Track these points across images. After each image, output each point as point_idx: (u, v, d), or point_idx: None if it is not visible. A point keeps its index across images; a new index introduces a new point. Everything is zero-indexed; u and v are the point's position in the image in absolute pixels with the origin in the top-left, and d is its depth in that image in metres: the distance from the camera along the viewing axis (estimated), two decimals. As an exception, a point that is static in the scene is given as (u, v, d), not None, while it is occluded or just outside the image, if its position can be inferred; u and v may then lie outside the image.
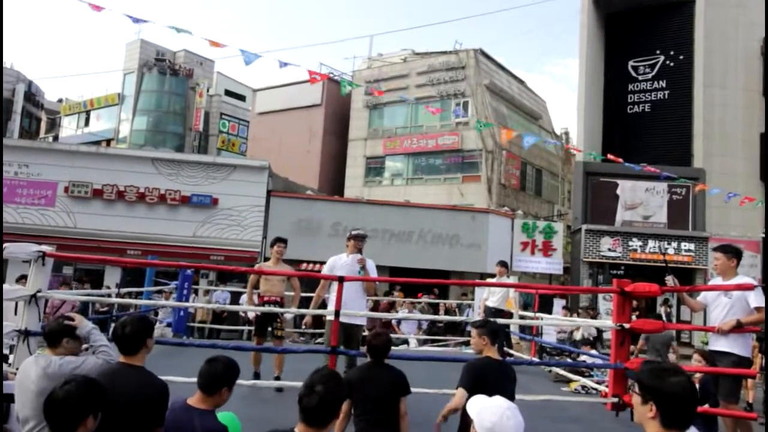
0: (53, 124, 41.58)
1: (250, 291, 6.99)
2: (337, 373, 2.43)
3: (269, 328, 6.69)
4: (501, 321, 7.99)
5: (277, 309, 6.54)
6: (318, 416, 2.23)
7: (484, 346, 3.78)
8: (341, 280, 5.28)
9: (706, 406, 5.17)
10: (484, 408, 2.09)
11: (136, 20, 8.87)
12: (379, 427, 3.52)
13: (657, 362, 2.04)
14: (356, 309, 5.63)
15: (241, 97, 38.53)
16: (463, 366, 3.69)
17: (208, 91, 36.53)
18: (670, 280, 5.35)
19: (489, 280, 9.72)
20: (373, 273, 5.89)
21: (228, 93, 38.56)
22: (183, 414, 2.78)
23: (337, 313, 5.24)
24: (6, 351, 6.71)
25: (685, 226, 19.48)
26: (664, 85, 21.49)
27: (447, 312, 13.99)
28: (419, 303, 13.90)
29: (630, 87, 22.00)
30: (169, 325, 10.81)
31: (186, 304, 10.09)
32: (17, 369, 4.32)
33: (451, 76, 24.77)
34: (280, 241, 6.82)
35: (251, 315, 7.16)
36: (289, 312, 6.71)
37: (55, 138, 38.76)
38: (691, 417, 1.88)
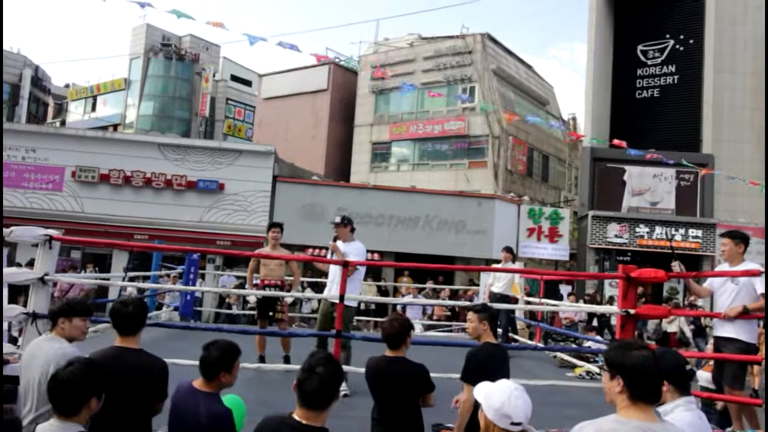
0: (60, 109, 41.59)
1: (250, 276, 7.14)
2: (332, 355, 2.44)
3: (270, 312, 6.79)
4: (506, 306, 8.01)
5: (279, 293, 6.67)
6: (319, 399, 2.23)
7: (483, 331, 3.73)
8: (345, 264, 5.31)
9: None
10: (492, 390, 2.11)
11: (143, 4, 8.82)
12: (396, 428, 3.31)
13: (625, 340, 2.16)
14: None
15: (247, 83, 38.36)
16: (470, 359, 3.61)
17: (214, 76, 36.35)
18: (676, 266, 5.32)
19: (494, 266, 9.72)
20: (352, 251, 5.79)
21: (234, 78, 38.38)
22: (188, 397, 2.81)
23: (341, 297, 5.26)
24: (15, 333, 6.79)
25: (693, 213, 19.37)
26: (673, 69, 21.25)
27: (451, 298, 14.02)
28: (423, 288, 13.95)
29: (639, 72, 21.78)
30: (176, 309, 10.91)
31: (193, 288, 10.15)
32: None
33: (457, 61, 24.57)
34: (275, 226, 6.98)
35: (252, 299, 7.32)
36: (289, 296, 6.86)
37: (63, 123, 38.76)
38: (658, 391, 1.98)
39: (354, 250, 5.80)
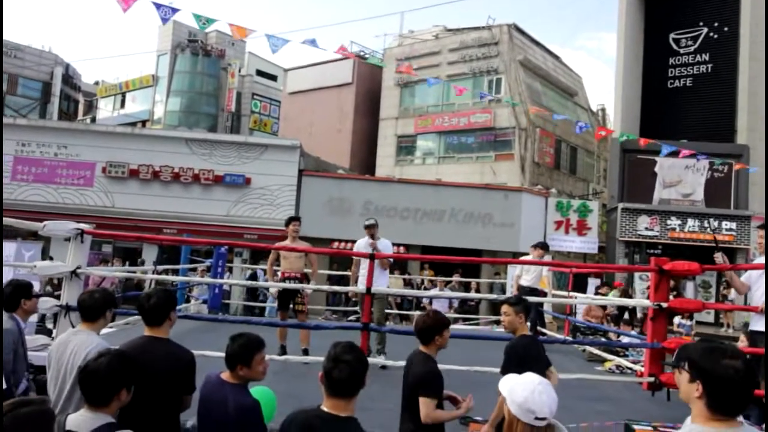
0: (90, 106, 42.43)
1: (270, 268, 7.41)
2: (353, 343, 2.41)
3: (291, 304, 6.90)
4: (536, 299, 7.92)
5: (304, 285, 6.84)
6: (350, 386, 2.24)
7: (519, 324, 3.71)
8: (372, 257, 5.34)
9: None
10: (516, 384, 2.06)
11: (166, 14, 8.81)
12: (404, 426, 3.26)
13: (713, 341, 1.92)
14: (377, 281, 6.36)
15: (273, 77, 38.61)
16: (506, 350, 3.61)
17: (240, 71, 36.68)
18: (719, 257, 5.16)
19: (522, 258, 9.60)
20: (387, 250, 6.94)
21: (260, 73, 38.66)
22: (217, 388, 2.83)
23: (368, 290, 5.28)
24: (49, 325, 6.95)
25: (726, 204, 18.88)
26: (707, 58, 20.68)
27: (478, 291, 13.92)
28: (450, 282, 13.88)
29: (671, 60, 21.25)
30: (204, 301, 11.05)
31: (221, 281, 10.27)
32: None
33: (483, 53, 24.30)
34: (295, 219, 7.25)
35: (273, 291, 7.57)
36: (311, 288, 7.07)
37: (93, 120, 39.57)
38: (742, 405, 1.74)
39: (386, 246, 6.95)
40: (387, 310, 10.34)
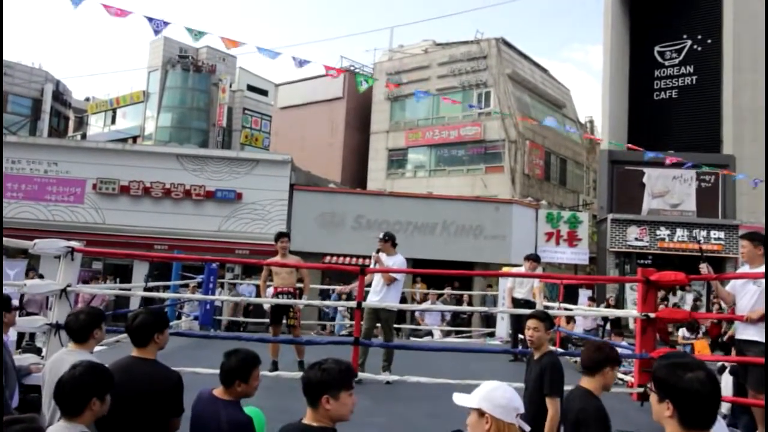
0: (81, 123, 42.26)
1: (263, 284, 7.46)
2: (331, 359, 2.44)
3: (284, 319, 6.92)
4: (528, 312, 7.96)
5: (297, 301, 6.88)
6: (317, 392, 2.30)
7: (545, 341, 3.59)
8: (362, 271, 5.38)
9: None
10: (489, 391, 2.05)
11: (158, 26, 8.90)
12: None
13: (675, 354, 1.93)
14: (382, 294, 6.52)
15: (264, 92, 38.67)
16: (554, 371, 3.44)
17: (230, 86, 36.70)
18: (704, 268, 5.23)
19: (513, 270, 9.65)
20: (393, 264, 6.64)
21: (250, 88, 38.69)
22: (209, 405, 2.82)
23: (359, 304, 5.31)
24: (39, 344, 6.91)
25: (714, 214, 19.09)
26: (691, 70, 21.00)
27: (470, 304, 13.94)
28: (442, 294, 13.89)
29: (656, 73, 21.57)
30: (196, 318, 11.00)
31: (212, 297, 10.23)
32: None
33: (472, 66, 24.55)
34: (283, 235, 7.29)
35: (266, 307, 7.61)
36: (303, 303, 7.11)
37: (83, 136, 39.40)
38: (713, 415, 1.75)
39: (395, 263, 6.64)
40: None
